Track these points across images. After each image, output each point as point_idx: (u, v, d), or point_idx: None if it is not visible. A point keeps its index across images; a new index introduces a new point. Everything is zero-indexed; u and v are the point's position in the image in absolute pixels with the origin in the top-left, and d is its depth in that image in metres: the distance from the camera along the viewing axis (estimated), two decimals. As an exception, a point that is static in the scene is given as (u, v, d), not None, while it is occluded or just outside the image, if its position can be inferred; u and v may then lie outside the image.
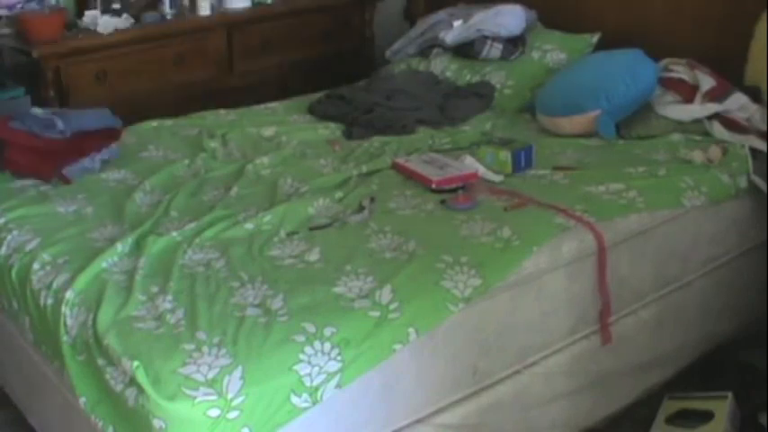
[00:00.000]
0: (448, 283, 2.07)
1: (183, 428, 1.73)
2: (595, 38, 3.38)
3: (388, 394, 2.01)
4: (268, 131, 3.04)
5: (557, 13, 3.56)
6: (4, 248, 2.32)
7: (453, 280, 2.08)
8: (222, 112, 3.28)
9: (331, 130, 3.08)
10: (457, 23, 3.51)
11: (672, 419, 2.50)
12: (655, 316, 2.57)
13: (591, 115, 2.89)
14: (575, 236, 2.31)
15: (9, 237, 2.34)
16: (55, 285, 2.11)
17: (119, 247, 2.22)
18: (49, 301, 2.09)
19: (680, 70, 2.98)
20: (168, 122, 3.14)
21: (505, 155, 2.64)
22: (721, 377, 2.76)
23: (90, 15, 3.50)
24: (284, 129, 3.08)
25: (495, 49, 3.38)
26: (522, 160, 2.66)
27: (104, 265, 2.16)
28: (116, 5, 3.59)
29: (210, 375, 1.76)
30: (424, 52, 3.63)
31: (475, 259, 2.14)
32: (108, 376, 1.88)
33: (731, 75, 2.92)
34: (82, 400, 1.95)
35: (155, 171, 2.71)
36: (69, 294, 2.06)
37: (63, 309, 2.03)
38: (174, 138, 3.01)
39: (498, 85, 3.31)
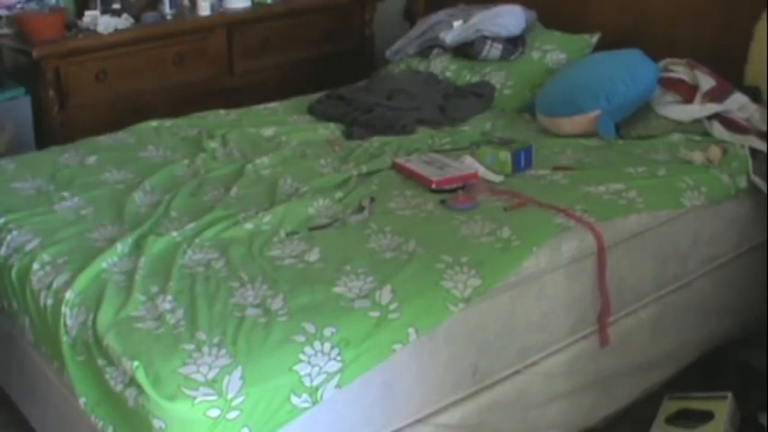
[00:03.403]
0: (448, 283, 2.07)
1: (182, 428, 1.73)
2: (595, 38, 3.38)
3: (388, 394, 2.01)
4: (268, 131, 3.04)
5: (557, 13, 3.56)
6: (4, 248, 2.32)
7: (453, 280, 2.08)
8: (222, 112, 3.27)
9: (331, 130, 3.07)
10: (457, 24, 3.51)
11: (672, 419, 2.50)
12: (654, 316, 2.57)
13: (591, 115, 2.89)
14: (574, 236, 2.31)
15: (9, 237, 2.34)
16: (55, 285, 2.11)
17: (119, 247, 2.22)
18: (49, 302, 2.09)
19: (680, 70, 2.98)
20: (168, 122, 3.14)
21: (505, 155, 2.64)
22: (721, 377, 2.76)
23: (90, 15, 3.50)
24: (284, 129, 3.08)
25: (495, 50, 3.38)
26: (522, 160, 2.66)
27: (104, 265, 2.16)
28: (116, 5, 3.59)
29: (210, 375, 1.76)
30: (424, 52, 3.63)
31: (475, 259, 2.14)
32: (108, 376, 1.88)
33: (731, 75, 2.92)
34: (82, 400, 1.95)
35: (155, 171, 2.71)
36: (69, 294, 2.05)
37: (63, 309, 2.03)
38: (174, 138, 3.01)
39: (498, 85, 3.31)
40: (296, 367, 1.82)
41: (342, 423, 1.95)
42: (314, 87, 3.53)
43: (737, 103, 2.83)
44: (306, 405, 1.84)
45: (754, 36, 2.93)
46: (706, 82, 2.88)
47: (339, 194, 2.51)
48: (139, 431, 1.80)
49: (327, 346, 1.86)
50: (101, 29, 3.44)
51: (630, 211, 2.43)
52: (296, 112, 3.27)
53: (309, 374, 1.83)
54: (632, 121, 2.92)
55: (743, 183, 2.67)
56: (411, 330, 1.97)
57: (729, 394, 2.50)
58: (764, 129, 2.79)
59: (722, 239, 2.70)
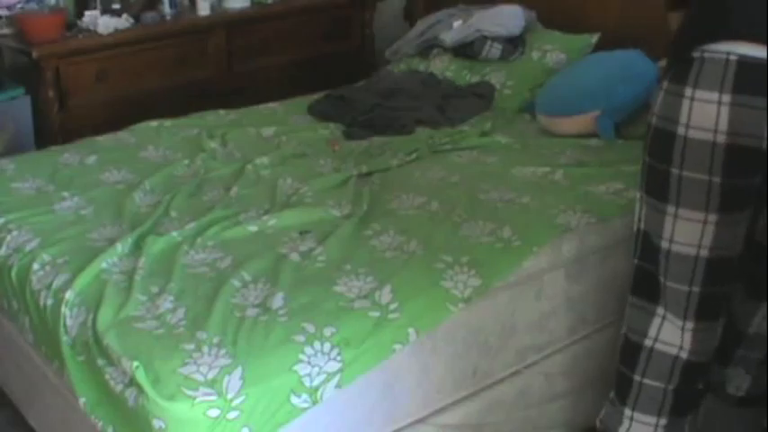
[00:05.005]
0: (448, 283, 2.07)
1: (182, 429, 1.73)
2: (595, 38, 3.37)
3: (389, 394, 2.01)
4: (268, 131, 3.04)
5: (557, 13, 3.56)
6: (3, 248, 2.32)
7: (453, 280, 2.08)
8: (222, 112, 3.28)
9: (331, 130, 3.08)
10: (457, 24, 3.51)
11: (672, 419, 2.50)
12: (655, 316, 2.57)
13: (591, 115, 2.89)
14: (575, 236, 2.31)
15: (9, 237, 2.34)
16: (55, 285, 2.11)
17: (118, 247, 2.22)
18: (49, 302, 2.09)
19: (680, 70, 2.97)
20: (168, 122, 3.14)
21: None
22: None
23: (90, 15, 3.50)
24: (284, 129, 3.08)
25: (495, 50, 3.38)
26: None
27: (104, 265, 2.16)
28: (116, 5, 3.58)
29: (210, 375, 1.76)
30: (424, 52, 3.63)
31: (475, 259, 2.14)
32: (108, 376, 1.88)
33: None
34: (82, 400, 1.95)
35: (154, 171, 2.71)
36: (69, 294, 2.05)
37: (63, 309, 2.03)
38: (174, 138, 3.01)
39: (498, 85, 3.31)
40: (296, 367, 1.82)
41: (342, 423, 1.95)
42: (314, 87, 3.53)
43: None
44: (306, 405, 1.84)
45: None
46: (706, 82, 2.88)
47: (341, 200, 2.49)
48: (139, 431, 1.80)
49: (327, 346, 1.86)
50: (101, 29, 3.44)
51: (631, 211, 2.42)
52: (296, 112, 3.27)
53: (309, 374, 1.83)
54: (632, 121, 2.92)
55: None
56: (411, 330, 1.97)
57: (729, 394, 2.50)
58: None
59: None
